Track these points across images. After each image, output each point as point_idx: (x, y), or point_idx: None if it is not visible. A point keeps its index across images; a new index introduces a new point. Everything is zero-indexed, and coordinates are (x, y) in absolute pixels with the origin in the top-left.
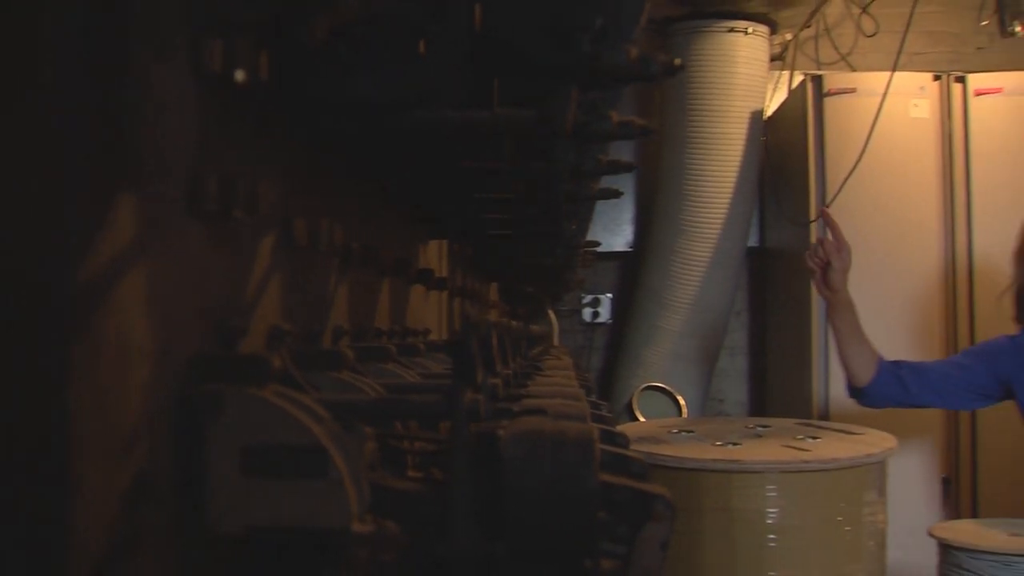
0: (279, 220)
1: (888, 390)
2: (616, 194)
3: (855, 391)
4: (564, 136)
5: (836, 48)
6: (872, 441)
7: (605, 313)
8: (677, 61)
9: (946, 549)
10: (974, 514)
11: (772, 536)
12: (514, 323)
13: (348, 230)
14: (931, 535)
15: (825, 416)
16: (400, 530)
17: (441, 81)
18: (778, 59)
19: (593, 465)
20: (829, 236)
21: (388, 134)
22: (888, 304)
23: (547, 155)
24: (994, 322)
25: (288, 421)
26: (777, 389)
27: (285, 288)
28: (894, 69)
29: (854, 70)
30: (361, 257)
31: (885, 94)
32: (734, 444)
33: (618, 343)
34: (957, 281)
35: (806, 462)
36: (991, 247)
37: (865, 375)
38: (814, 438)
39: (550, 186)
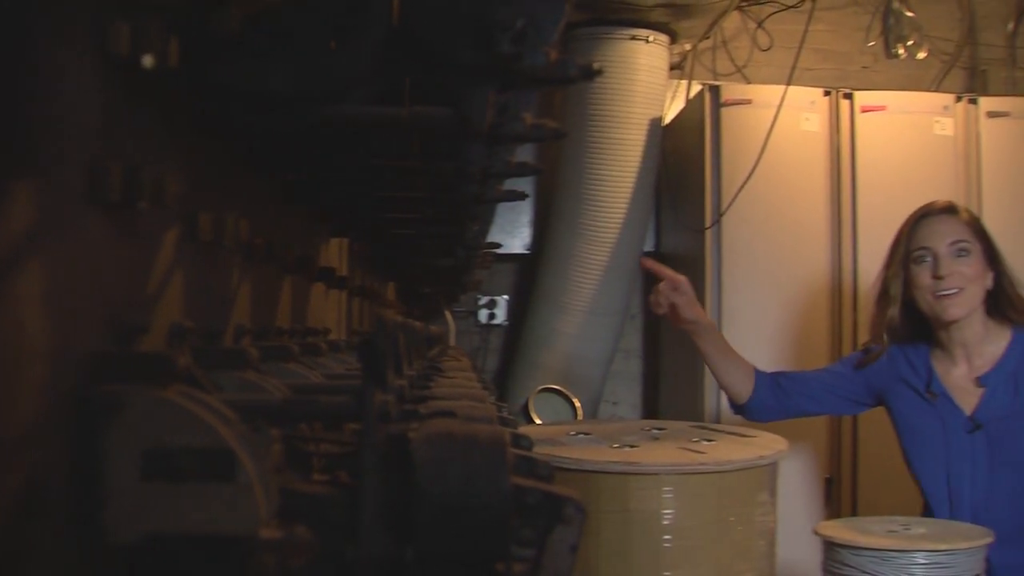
0: (184, 213)
1: (769, 402)
2: (521, 196)
3: (738, 408)
4: (481, 136)
5: (732, 60)
6: (764, 444)
7: (501, 315)
8: (596, 66)
9: (830, 546)
10: (854, 512)
11: (668, 537)
12: (416, 323)
13: (253, 225)
14: (816, 533)
15: (717, 419)
16: (309, 535)
17: (356, 75)
18: (677, 68)
19: (505, 468)
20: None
21: (298, 128)
22: (777, 311)
23: (457, 155)
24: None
25: (194, 422)
26: (670, 392)
27: (188, 284)
28: (788, 83)
29: (749, 82)
30: (265, 253)
31: (780, 107)
32: (631, 446)
33: (514, 345)
34: (842, 290)
35: (702, 464)
36: (874, 257)
37: (744, 391)
38: (709, 440)
39: (458, 187)
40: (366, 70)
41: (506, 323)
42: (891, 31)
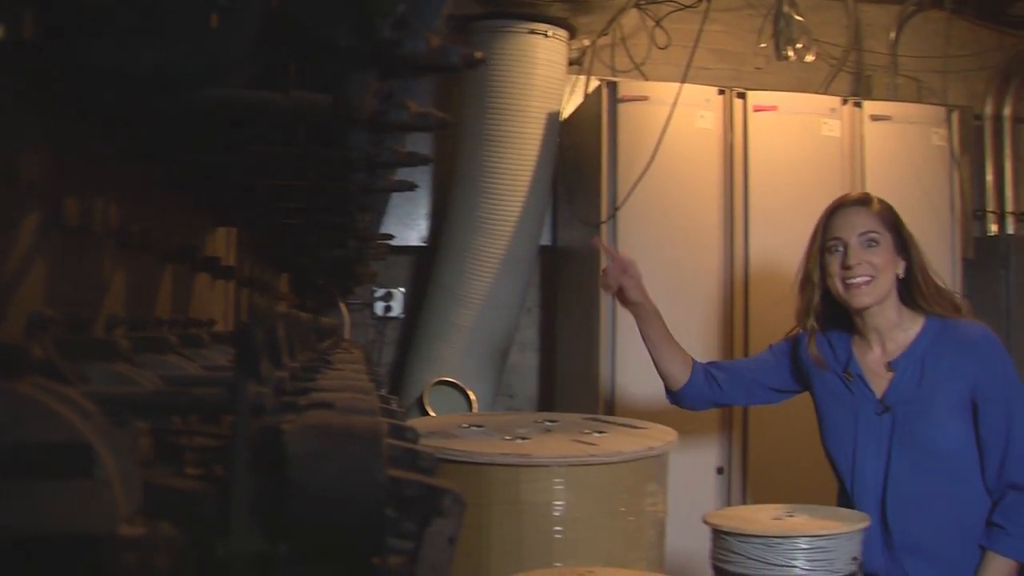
0: (47, 197)
1: (703, 390)
2: (410, 186)
3: (672, 395)
4: (361, 123)
5: (631, 57)
6: (654, 435)
7: (398, 307)
8: (478, 54)
9: (717, 535)
10: (744, 501)
11: (559, 528)
12: (303, 315)
13: (126, 212)
14: (705, 522)
15: (611, 411)
16: (177, 531)
17: (232, 58)
18: (576, 64)
19: (381, 460)
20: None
21: (171, 110)
22: (671, 304)
23: (341, 143)
24: (767, 323)
25: (49, 416)
26: (566, 384)
27: (52, 271)
28: (683, 81)
29: (647, 79)
30: (140, 241)
31: (674, 104)
32: (523, 438)
33: (410, 338)
34: (734, 283)
35: (592, 456)
36: (765, 252)
37: (680, 379)
38: (600, 432)
39: (343, 176)
40: (242, 52)
41: (402, 316)
42: (781, 34)
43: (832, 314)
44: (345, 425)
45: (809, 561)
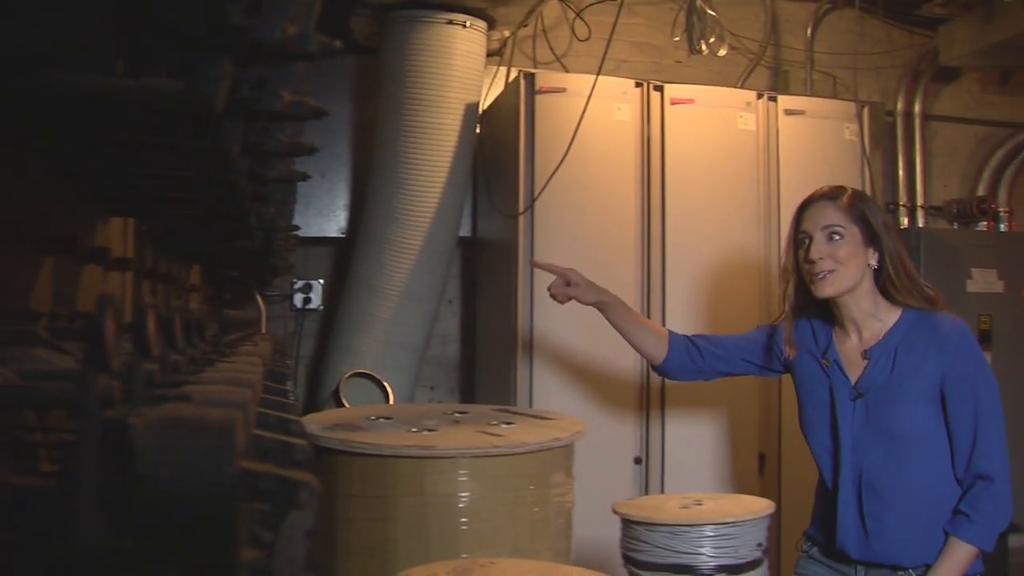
0: None
1: (684, 361)
2: (302, 177)
3: (656, 369)
4: (213, 111)
5: (552, 49)
6: (562, 426)
7: (317, 299)
8: (337, 43)
9: (626, 524)
10: (662, 490)
11: (465, 520)
12: (195, 307)
13: None
14: (614, 511)
15: (530, 403)
16: (17, 529)
17: (79, 41)
18: (496, 55)
19: (232, 452)
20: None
21: (19, 95)
22: None
23: (214, 132)
24: (684, 317)
25: None
26: (485, 376)
27: None
28: (598, 73)
29: (567, 71)
30: (10, 230)
31: (590, 96)
32: (429, 430)
33: (329, 330)
34: (651, 276)
35: (496, 447)
36: (682, 244)
37: (659, 352)
38: (508, 423)
39: (224, 165)
40: (93, 36)
41: (322, 308)
42: (694, 28)
43: (816, 303)
44: (197, 418)
45: (715, 548)
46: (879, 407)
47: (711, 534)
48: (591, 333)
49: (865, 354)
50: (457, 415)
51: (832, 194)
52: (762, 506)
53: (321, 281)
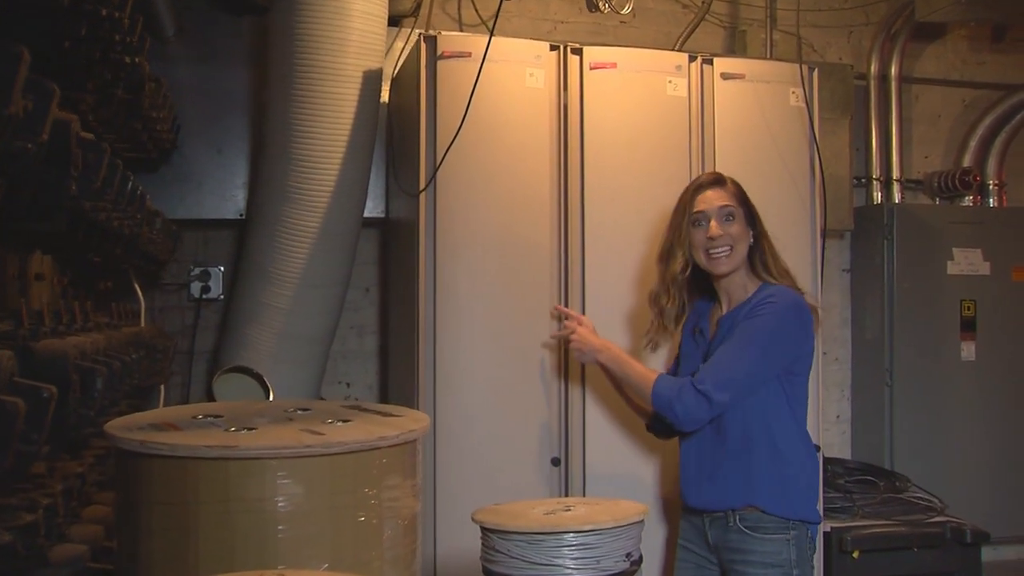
0: None
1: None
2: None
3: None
4: None
5: (477, 11)
6: (400, 423)
7: (217, 287)
8: None
9: (484, 533)
10: (584, 493)
11: (281, 527)
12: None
13: None
14: (472, 519)
15: (433, 399)
16: None
17: None
18: (412, 16)
19: None
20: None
21: None
22: (498, 281)
23: None
24: (605, 300)
25: None
26: (397, 370)
27: None
28: (491, 33)
29: (495, 35)
30: None
31: (483, 60)
32: (250, 429)
33: (225, 321)
34: (569, 257)
35: (309, 446)
36: (603, 221)
37: (646, 412)
38: (346, 420)
39: None
40: None
41: (222, 297)
42: None
43: (700, 284)
44: None
45: (576, 559)
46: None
47: (572, 543)
48: (504, 324)
49: (718, 322)
50: (299, 411)
51: (719, 179)
52: (632, 512)
53: (221, 268)
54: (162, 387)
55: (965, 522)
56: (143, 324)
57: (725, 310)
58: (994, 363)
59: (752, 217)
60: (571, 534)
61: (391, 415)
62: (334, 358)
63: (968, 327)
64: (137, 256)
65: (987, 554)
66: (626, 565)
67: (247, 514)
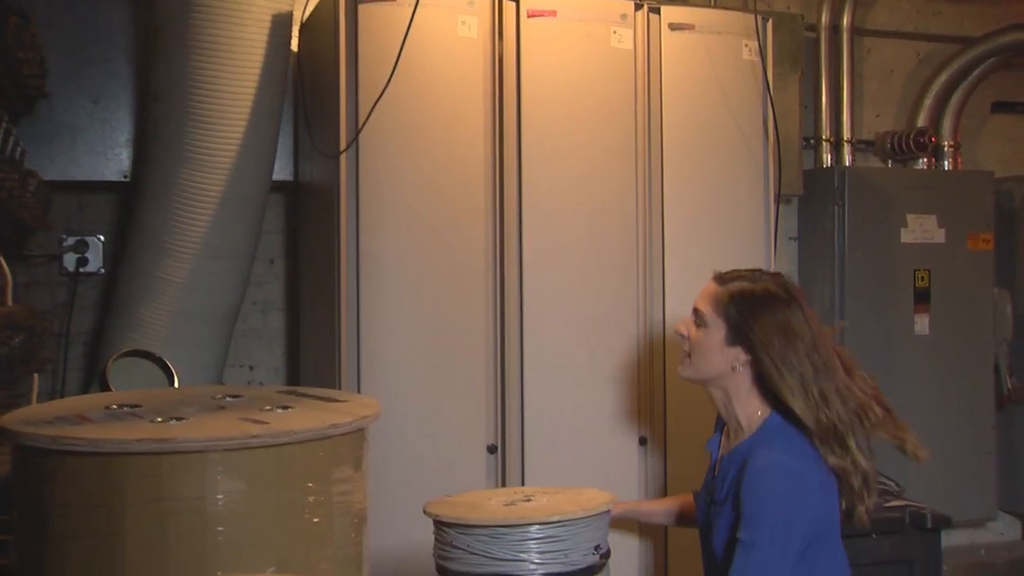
0: None
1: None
2: None
3: None
4: None
5: None
6: (349, 409)
7: (96, 260)
8: None
9: (438, 527)
10: (523, 482)
11: (220, 528)
12: None
13: None
14: (425, 512)
15: (357, 385)
16: None
17: None
18: None
19: None
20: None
21: None
22: (426, 250)
23: None
24: (545, 275)
25: None
26: (311, 352)
27: None
28: None
29: None
30: None
31: (415, 6)
32: (178, 420)
33: (111, 298)
34: (505, 223)
35: (253, 437)
36: (542, 185)
37: (692, 520)
38: (286, 408)
39: None
40: None
41: (102, 271)
42: None
43: None
44: None
45: (542, 553)
46: (710, 526)
47: (538, 536)
48: (435, 299)
49: (719, 463)
50: (229, 399)
51: (720, 277)
52: (600, 501)
53: (101, 238)
54: (36, 376)
55: (925, 507)
56: (10, 303)
57: (728, 442)
58: (949, 338)
59: (744, 337)
60: (536, 526)
61: (335, 400)
62: (235, 338)
63: (922, 299)
64: (7, 224)
65: (946, 539)
66: (595, 558)
67: (182, 515)
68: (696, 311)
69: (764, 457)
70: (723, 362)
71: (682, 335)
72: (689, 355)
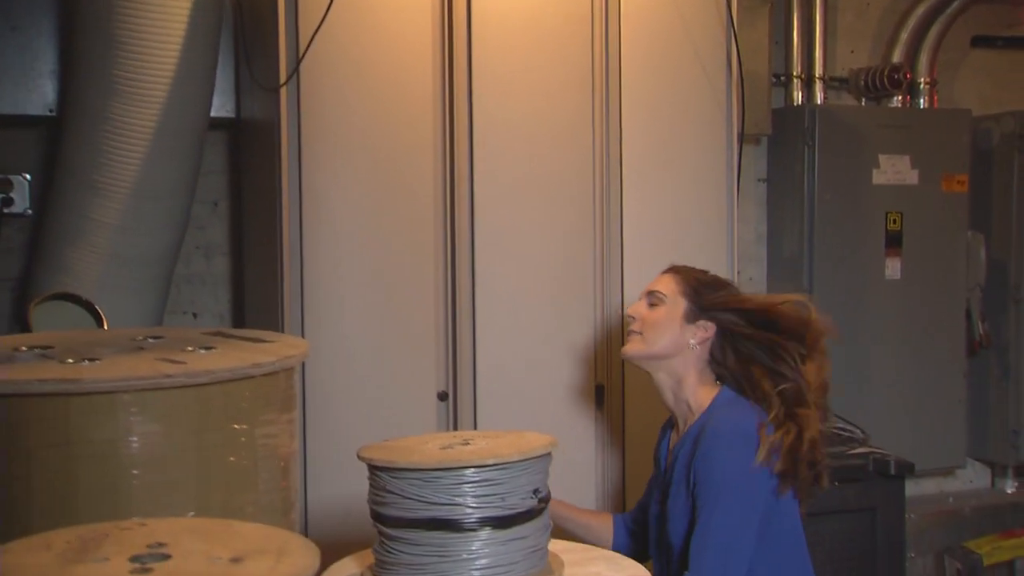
0: None
1: (629, 546)
2: None
3: None
4: None
5: None
6: (277, 349)
7: (22, 201)
8: None
9: (372, 471)
10: (475, 426)
11: (136, 471)
12: None
13: None
14: (358, 457)
15: (301, 330)
16: None
17: None
18: None
19: None
20: None
21: None
22: (371, 190)
23: None
24: (497, 219)
25: None
26: (257, 297)
27: None
28: None
29: None
30: None
31: None
32: (92, 360)
33: (38, 241)
34: (455, 163)
35: (169, 376)
36: (491, 120)
37: (608, 542)
38: (208, 348)
39: None
40: None
41: (29, 212)
42: None
43: None
44: None
45: (477, 497)
46: (664, 520)
47: (473, 479)
48: (382, 239)
49: (671, 454)
50: (149, 340)
51: (674, 268)
52: (539, 444)
53: (27, 176)
54: None
55: (889, 454)
56: None
57: (675, 432)
58: (920, 283)
59: (706, 311)
60: (472, 469)
61: (262, 340)
62: (177, 284)
63: (894, 242)
64: None
65: (908, 487)
66: (533, 502)
67: (93, 459)
68: (651, 292)
69: (720, 423)
70: (680, 337)
71: (632, 317)
72: (641, 333)
